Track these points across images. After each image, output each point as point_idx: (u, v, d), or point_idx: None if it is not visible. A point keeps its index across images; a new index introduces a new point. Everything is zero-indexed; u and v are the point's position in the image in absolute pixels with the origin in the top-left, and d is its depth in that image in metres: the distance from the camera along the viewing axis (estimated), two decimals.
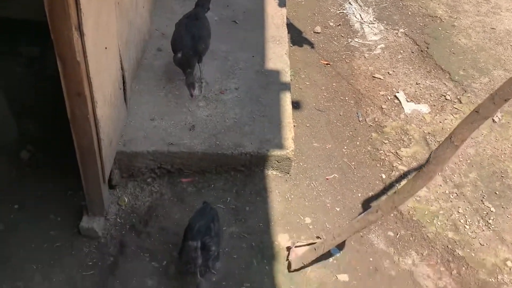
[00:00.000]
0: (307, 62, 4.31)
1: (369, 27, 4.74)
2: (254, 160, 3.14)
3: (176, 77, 3.58)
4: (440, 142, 3.48)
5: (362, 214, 2.17)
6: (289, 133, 3.23)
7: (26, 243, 2.86)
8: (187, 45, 3.25)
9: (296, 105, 3.80)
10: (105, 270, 2.71)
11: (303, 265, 2.63)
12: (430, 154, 1.82)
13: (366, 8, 4.97)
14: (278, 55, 3.89)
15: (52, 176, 3.31)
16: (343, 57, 4.39)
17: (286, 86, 3.61)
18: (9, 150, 3.51)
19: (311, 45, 4.52)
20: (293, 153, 3.14)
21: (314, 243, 2.73)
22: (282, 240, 2.88)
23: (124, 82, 3.03)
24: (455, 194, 3.17)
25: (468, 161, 3.39)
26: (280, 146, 3.15)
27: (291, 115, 3.38)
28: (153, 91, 3.46)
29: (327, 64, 4.29)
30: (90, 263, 2.75)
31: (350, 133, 3.64)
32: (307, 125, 3.67)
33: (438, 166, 1.80)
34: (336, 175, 3.30)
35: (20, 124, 3.68)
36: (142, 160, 3.10)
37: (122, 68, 2.95)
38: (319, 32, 4.67)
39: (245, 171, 3.19)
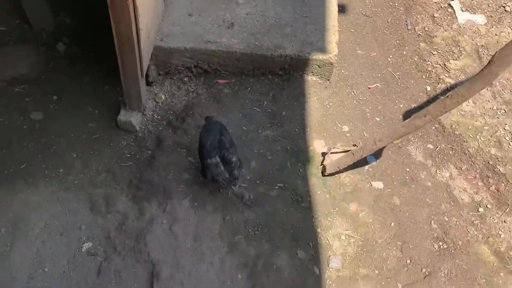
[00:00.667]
0: None
1: None
2: (294, 64, 3.02)
3: None
4: None
5: (409, 119, 2.07)
6: (333, 37, 3.06)
7: (65, 132, 2.92)
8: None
9: (341, 8, 3.55)
10: (142, 162, 2.76)
11: (338, 169, 2.60)
12: (495, 54, 1.66)
13: None
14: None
15: (88, 70, 3.30)
16: None
17: None
18: (46, 42, 3.48)
19: None
20: (336, 58, 2.99)
21: (350, 150, 2.68)
22: (317, 145, 2.84)
23: None
24: (503, 111, 3.00)
25: None
26: (323, 49, 2.99)
27: (336, 17, 3.17)
28: None
29: None
30: (128, 155, 2.81)
31: (397, 41, 3.42)
32: (352, 30, 3.46)
33: (501, 68, 1.65)
34: (378, 84, 3.16)
35: (56, 16, 3.62)
36: (179, 57, 3.02)
37: None
38: None
39: (284, 75, 3.08)
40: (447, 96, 1.85)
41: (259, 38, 3.03)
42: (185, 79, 3.13)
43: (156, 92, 3.10)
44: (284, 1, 3.22)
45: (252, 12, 3.17)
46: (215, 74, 3.12)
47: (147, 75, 3.01)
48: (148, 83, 3.10)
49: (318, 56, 2.97)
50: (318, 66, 3.02)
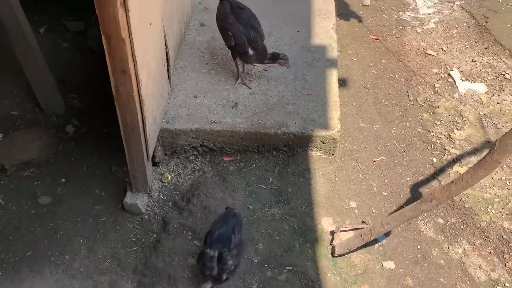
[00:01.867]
0: (355, 37, 4.11)
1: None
2: (297, 140, 3.05)
3: (219, 53, 3.51)
4: (498, 125, 3.27)
5: (415, 202, 2.05)
6: (335, 113, 3.11)
7: (72, 216, 2.92)
8: (254, 39, 3.04)
9: (342, 82, 3.65)
10: (148, 246, 2.74)
11: (347, 251, 2.55)
12: (495, 142, 1.67)
13: None
14: (325, 29, 3.72)
15: (97, 150, 3.36)
16: (393, 31, 4.15)
17: (332, 63, 3.45)
18: (55, 124, 3.58)
19: (359, 18, 4.30)
20: (338, 133, 3.02)
21: (359, 228, 2.64)
22: (325, 223, 2.80)
23: (167, 59, 2.98)
24: None
25: None
26: (325, 126, 3.03)
27: (337, 93, 3.24)
28: (196, 67, 3.40)
29: (376, 39, 4.08)
30: (134, 239, 2.79)
31: (400, 113, 3.46)
32: (354, 104, 3.52)
33: (503, 156, 1.65)
34: (383, 157, 3.16)
35: (66, 98, 3.75)
36: (185, 138, 3.07)
37: (166, 45, 2.89)
38: (367, 4, 4.43)
39: (288, 151, 3.10)
40: (453, 181, 1.83)
41: (262, 116, 3.09)
42: (191, 157, 3.17)
43: (162, 172, 3.12)
44: (286, 80, 3.31)
45: (255, 91, 3.25)
46: (221, 152, 3.16)
47: (153, 156, 3.05)
48: (155, 164, 3.14)
49: (321, 133, 3.00)
50: (322, 142, 3.05)
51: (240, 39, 3.00)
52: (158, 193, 3.01)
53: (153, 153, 3.02)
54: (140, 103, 2.42)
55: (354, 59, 3.88)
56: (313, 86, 3.28)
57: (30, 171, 3.26)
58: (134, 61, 2.20)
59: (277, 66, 3.37)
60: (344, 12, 4.36)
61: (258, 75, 3.35)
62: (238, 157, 3.13)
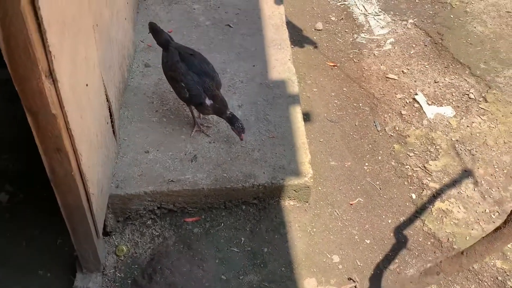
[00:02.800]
0: (312, 65, 3.89)
1: (374, 19, 4.31)
2: (268, 192, 2.75)
3: (169, 97, 3.15)
4: (472, 150, 3.13)
5: (418, 272, 1.79)
6: (304, 156, 2.83)
7: None
8: (210, 87, 2.72)
9: (306, 116, 3.39)
10: None
11: None
12: (511, 212, 1.44)
13: None
14: (282, 62, 3.46)
15: (38, 221, 2.90)
16: (351, 56, 3.97)
17: (295, 99, 3.19)
18: None
19: (314, 44, 4.09)
20: (312, 180, 2.74)
21: None
22: (309, 286, 2.50)
23: (111, 115, 2.59)
24: (497, 213, 2.81)
25: (505, 171, 3.03)
26: (297, 172, 2.75)
27: (304, 133, 2.97)
28: (144, 117, 3.02)
29: (334, 66, 3.88)
30: None
31: (370, 146, 3.24)
32: (321, 140, 3.27)
33: None
34: (360, 199, 2.92)
35: None
36: (139, 202, 2.68)
37: (107, 99, 2.51)
38: (320, 29, 4.23)
39: (259, 204, 2.79)
40: (463, 252, 1.59)
41: (226, 168, 2.76)
42: (148, 222, 2.78)
43: (116, 243, 2.71)
44: (248, 123, 3.00)
45: (216, 139, 2.92)
46: (182, 212, 2.79)
47: (104, 225, 2.63)
48: (106, 233, 2.72)
49: (293, 181, 2.71)
50: (295, 190, 2.76)
51: (195, 90, 2.67)
52: (113, 270, 2.59)
53: (104, 222, 2.60)
54: (82, 180, 2.03)
55: (315, 90, 3.65)
56: (277, 128, 3.00)
57: None
58: (71, 136, 1.81)
59: (236, 108, 3.07)
60: (297, 38, 4.13)
61: (217, 119, 3.02)
62: (203, 216, 2.78)
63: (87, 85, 2.03)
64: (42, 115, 1.65)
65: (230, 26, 3.75)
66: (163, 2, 3.94)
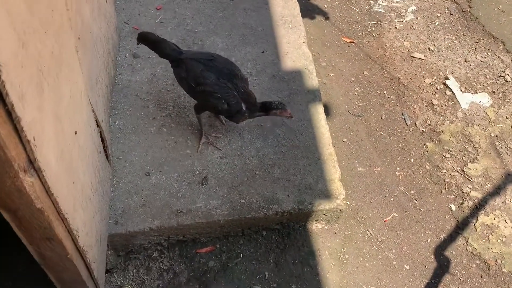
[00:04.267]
0: (325, 42, 3.37)
1: None
2: (293, 218, 2.36)
3: (167, 98, 2.64)
4: None
5: None
6: (334, 171, 2.43)
7: None
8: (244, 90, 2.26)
9: (324, 109, 2.94)
10: None
11: None
12: None
13: None
14: (295, 45, 2.94)
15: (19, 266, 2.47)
16: (369, 29, 3.45)
17: (315, 95, 2.72)
18: None
19: (325, 15, 3.53)
20: (344, 201, 2.36)
21: None
22: None
23: (103, 140, 2.09)
24: None
25: None
26: (327, 194, 2.36)
27: (330, 140, 2.54)
28: (140, 126, 2.52)
29: (351, 42, 3.36)
30: None
31: (400, 146, 2.85)
32: (344, 140, 2.85)
33: None
34: (395, 214, 2.57)
35: None
36: (143, 238, 2.28)
37: (98, 124, 2.00)
38: None
39: (282, 229, 2.42)
40: None
41: (244, 192, 2.34)
42: (155, 254, 2.39)
43: (119, 283, 2.32)
44: (263, 130, 2.55)
45: (227, 153, 2.46)
46: (194, 242, 2.40)
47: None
48: (106, 271, 2.33)
49: (323, 206, 2.33)
50: (324, 214, 2.38)
51: (234, 98, 2.20)
52: None
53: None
54: (81, 255, 1.59)
55: (331, 74, 3.16)
56: (298, 134, 2.55)
57: None
58: (63, 219, 1.35)
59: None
60: (306, 7, 3.55)
61: (226, 126, 2.56)
62: (218, 246, 2.40)
63: (76, 132, 1.52)
64: (23, 211, 1.18)
65: (230, 0, 3.15)
66: None
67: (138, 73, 2.73)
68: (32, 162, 1.07)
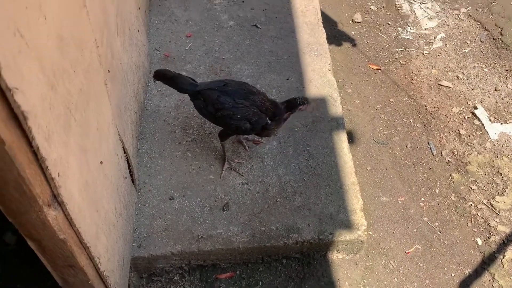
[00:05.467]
0: (351, 68, 3.38)
1: (421, 8, 3.73)
2: (313, 247, 2.36)
3: (193, 124, 2.71)
4: None
5: None
6: (355, 201, 2.42)
7: None
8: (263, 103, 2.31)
9: (348, 136, 2.93)
10: None
11: None
12: None
13: None
14: (320, 73, 2.97)
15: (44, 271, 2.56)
16: (396, 56, 3.44)
17: (338, 123, 2.73)
18: None
19: (352, 41, 3.55)
20: (366, 232, 2.35)
21: None
22: None
23: (129, 165, 2.17)
24: None
25: None
26: (348, 224, 2.35)
27: (353, 169, 2.54)
28: (166, 151, 2.60)
29: (377, 69, 3.37)
30: None
31: (425, 175, 2.81)
32: (368, 168, 2.84)
33: None
34: (418, 246, 2.53)
35: None
36: (165, 261, 2.32)
37: (125, 151, 2.08)
38: (359, 21, 3.68)
39: (302, 258, 2.42)
40: None
41: (264, 219, 2.36)
42: (176, 277, 2.43)
43: None
44: (285, 157, 2.57)
45: (249, 179, 2.50)
46: (214, 267, 2.43)
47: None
48: None
49: (343, 237, 2.32)
50: (345, 245, 2.37)
51: (254, 115, 2.24)
52: None
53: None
54: (102, 280, 1.65)
55: (357, 101, 3.17)
56: (320, 162, 2.57)
57: None
58: (86, 247, 1.41)
59: (269, 140, 2.63)
60: (333, 33, 3.59)
61: (249, 153, 2.60)
62: (237, 272, 2.42)
63: (101, 162, 1.60)
64: (47, 241, 1.25)
65: (257, 27, 3.23)
66: None
67: (167, 98, 2.82)
68: (56, 197, 1.14)
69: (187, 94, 2.44)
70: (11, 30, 0.88)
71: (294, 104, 2.32)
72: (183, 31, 3.19)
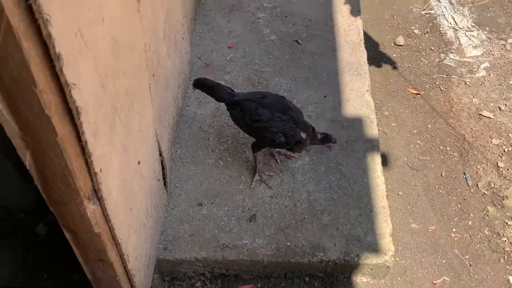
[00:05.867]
0: (390, 91, 3.35)
1: (466, 35, 3.67)
2: (338, 268, 2.33)
3: (227, 133, 2.74)
4: None
5: None
6: (385, 226, 2.38)
7: None
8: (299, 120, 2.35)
9: (382, 159, 2.90)
10: None
11: None
12: None
13: (461, 8, 3.87)
14: (358, 93, 2.95)
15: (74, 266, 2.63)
16: (437, 82, 3.39)
17: (373, 145, 2.71)
18: (22, 225, 2.82)
19: (393, 64, 3.53)
20: (393, 258, 2.30)
21: None
22: None
23: (163, 169, 2.22)
24: None
25: None
26: (375, 248, 2.31)
27: (385, 193, 2.50)
28: (199, 157, 2.63)
29: (416, 94, 3.32)
30: None
31: (458, 206, 2.74)
32: (400, 193, 2.79)
33: None
34: (446, 278, 2.46)
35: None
36: (189, 266, 2.34)
37: (160, 154, 2.13)
38: (401, 44, 3.65)
39: (325, 278, 2.39)
40: None
41: (290, 234, 2.35)
42: (197, 284, 2.44)
43: None
44: (316, 174, 2.56)
45: (278, 193, 2.50)
46: (236, 278, 2.43)
47: None
48: None
49: (370, 260, 2.28)
50: (371, 269, 2.33)
51: (290, 129, 2.26)
52: None
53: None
54: (129, 278, 1.68)
55: (393, 125, 3.13)
56: (352, 183, 2.54)
57: None
58: (117, 244, 1.44)
59: (303, 152, 2.63)
60: (374, 55, 3.57)
61: (280, 167, 2.60)
62: (259, 285, 2.41)
63: (139, 163, 1.64)
64: (82, 234, 1.28)
65: (298, 43, 3.25)
66: (224, 8, 3.47)
67: (204, 106, 2.87)
68: (96, 192, 1.18)
69: (223, 104, 2.48)
70: (74, 30, 0.92)
71: (328, 139, 2.36)
72: (225, 42, 3.25)
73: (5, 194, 2.80)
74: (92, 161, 1.08)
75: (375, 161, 2.64)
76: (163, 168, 2.22)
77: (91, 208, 1.18)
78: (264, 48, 3.22)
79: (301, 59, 3.16)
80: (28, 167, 1.02)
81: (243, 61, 3.12)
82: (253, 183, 2.52)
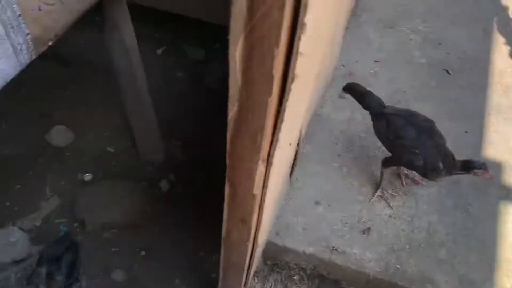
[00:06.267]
0: None
1: None
2: None
3: (356, 142, 2.76)
4: None
5: None
6: (505, 279, 2.23)
7: None
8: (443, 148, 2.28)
9: None
10: None
11: None
12: None
13: None
14: (503, 137, 2.80)
15: (188, 221, 2.85)
16: None
17: (509, 193, 2.54)
18: (149, 177, 3.12)
19: None
20: None
21: None
22: None
23: (294, 159, 2.31)
24: None
25: None
26: None
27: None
28: (324, 158, 2.69)
29: None
30: None
31: None
32: None
33: None
34: None
35: (168, 145, 3.27)
36: (293, 257, 2.40)
37: (298, 144, 2.22)
38: None
39: None
40: None
41: (402, 258, 2.31)
42: (295, 277, 2.49)
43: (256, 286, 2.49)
44: (442, 207, 2.48)
45: (397, 214, 2.46)
46: (334, 284, 2.44)
47: None
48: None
49: None
50: None
51: (432, 156, 2.21)
52: None
53: None
54: (253, 246, 1.78)
55: None
56: (478, 225, 2.42)
57: (110, 232, 2.84)
58: (260, 211, 1.55)
59: (433, 181, 2.55)
60: None
61: (405, 189, 2.56)
62: None
63: (290, 144, 1.74)
64: (241, 191, 1.40)
65: (448, 73, 3.16)
66: (378, 23, 3.49)
67: (339, 112, 2.92)
68: (268, 157, 1.28)
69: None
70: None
71: (470, 166, 2.21)
72: (372, 55, 3.26)
73: (147, 147, 3.13)
74: (279, 127, 1.18)
75: (508, 211, 2.47)
76: (294, 158, 2.31)
77: (261, 169, 1.29)
78: (411, 70, 3.18)
79: (448, 90, 3.06)
80: (228, 118, 1.14)
81: (387, 78, 3.12)
82: (374, 197, 2.51)
